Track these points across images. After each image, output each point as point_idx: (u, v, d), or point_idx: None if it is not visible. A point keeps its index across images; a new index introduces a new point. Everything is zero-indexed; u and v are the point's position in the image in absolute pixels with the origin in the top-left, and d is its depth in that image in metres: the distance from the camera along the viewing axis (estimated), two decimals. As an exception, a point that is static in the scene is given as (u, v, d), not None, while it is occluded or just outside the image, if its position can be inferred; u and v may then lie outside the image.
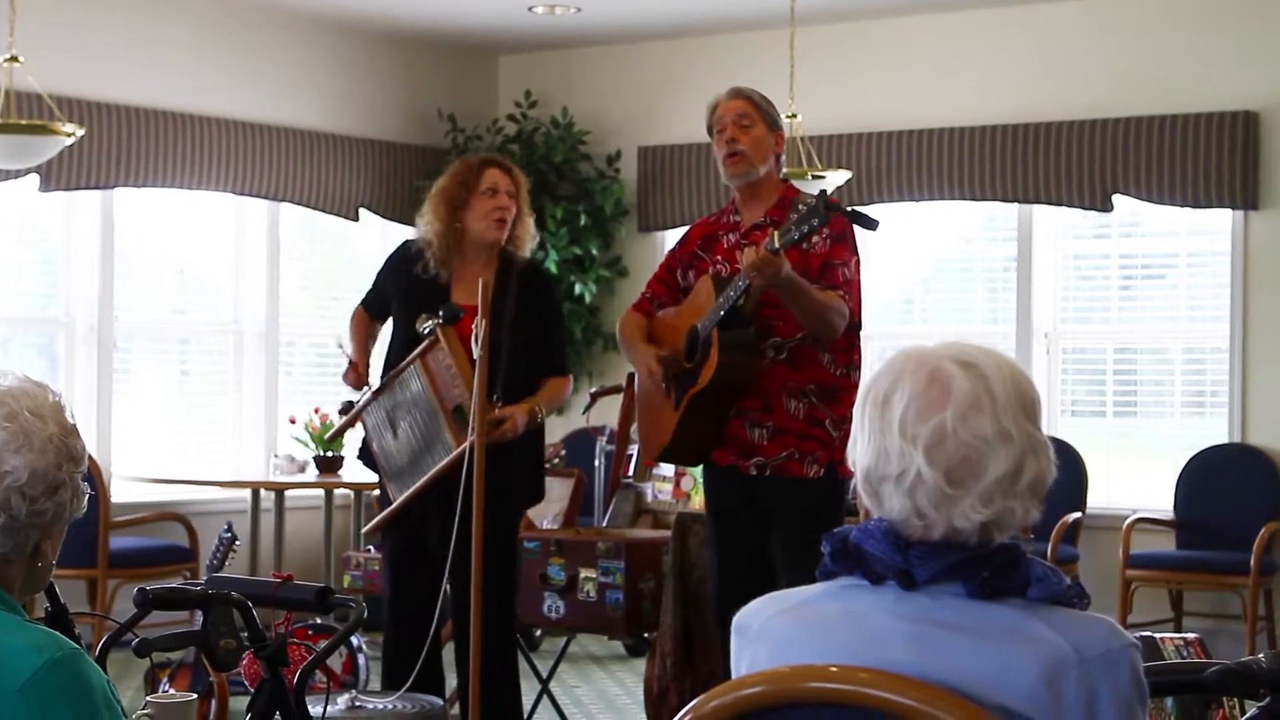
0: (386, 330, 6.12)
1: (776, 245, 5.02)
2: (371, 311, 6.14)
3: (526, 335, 5.82)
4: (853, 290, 5.33)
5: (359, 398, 6.04)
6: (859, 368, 5.40)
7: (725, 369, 5.30)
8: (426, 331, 5.70)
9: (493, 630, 5.74)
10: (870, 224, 5.05)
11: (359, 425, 6.11)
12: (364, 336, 6.12)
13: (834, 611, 2.17)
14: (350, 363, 6.05)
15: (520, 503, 6.03)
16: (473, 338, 5.48)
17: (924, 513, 2.13)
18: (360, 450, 6.18)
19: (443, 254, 5.89)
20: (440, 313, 5.65)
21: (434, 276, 5.88)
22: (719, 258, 5.49)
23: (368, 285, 6.24)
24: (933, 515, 2.13)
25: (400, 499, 5.86)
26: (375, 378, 6.02)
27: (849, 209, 5.13)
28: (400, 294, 5.96)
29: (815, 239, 5.25)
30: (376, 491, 6.31)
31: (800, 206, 5.06)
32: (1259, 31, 8.96)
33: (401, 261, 6.02)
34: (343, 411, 6.13)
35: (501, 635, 5.87)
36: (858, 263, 5.38)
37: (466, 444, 5.55)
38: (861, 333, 5.46)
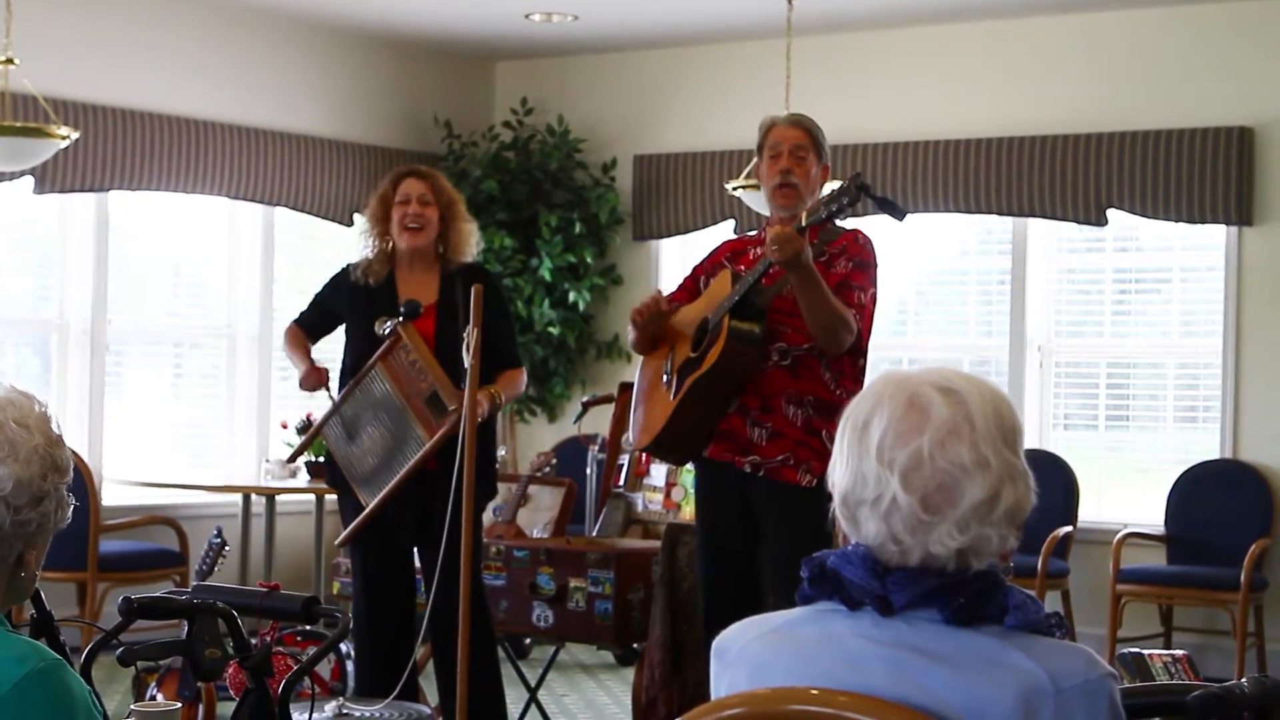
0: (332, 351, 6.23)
1: (804, 225, 5.07)
2: (305, 328, 6.27)
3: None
4: (864, 316, 5.36)
5: (320, 413, 6.15)
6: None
7: (730, 356, 5.31)
8: (386, 332, 5.79)
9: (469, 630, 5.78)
10: (898, 213, 5.06)
11: (323, 438, 6.20)
12: (304, 345, 6.24)
13: (811, 636, 2.17)
14: (305, 369, 6.13)
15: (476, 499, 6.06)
16: (464, 347, 5.52)
17: (899, 538, 2.12)
18: (327, 469, 6.25)
19: (376, 267, 6.06)
20: (401, 310, 5.75)
21: (378, 286, 6.03)
22: (743, 267, 5.52)
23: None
24: (908, 541, 2.12)
25: (375, 500, 5.90)
26: (333, 386, 6.13)
27: (879, 195, 5.14)
28: (349, 308, 6.09)
29: (840, 262, 5.31)
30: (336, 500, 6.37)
31: (833, 189, 5.10)
32: (1254, 48, 8.97)
33: (343, 279, 6.20)
34: (302, 429, 6.20)
35: (480, 638, 5.89)
36: (874, 295, 5.40)
37: (445, 428, 5.61)
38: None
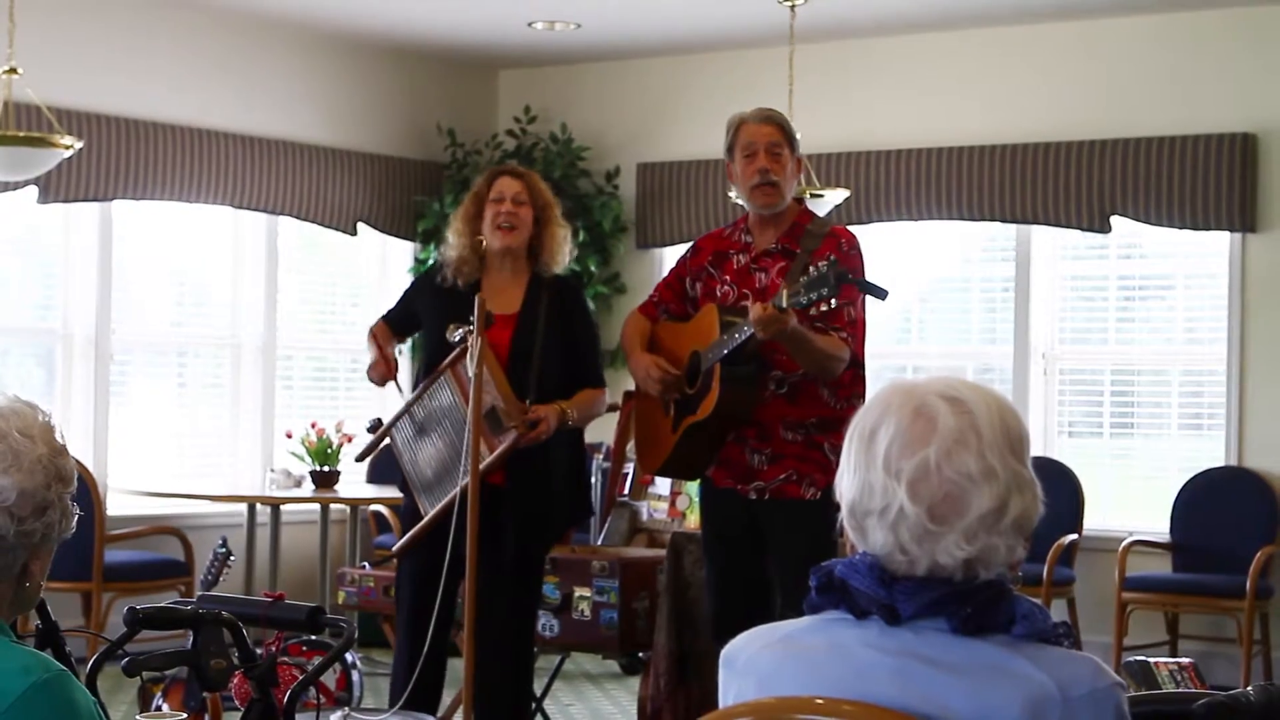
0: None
1: (784, 304, 4.98)
2: (393, 326, 6.16)
3: (558, 347, 5.81)
4: (857, 330, 5.32)
5: (388, 416, 6.05)
6: (862, 397, 5.37)
7: (726, 403, 5.28)
8: (457, 340, 5.69)
9: (509, 652, 5.75)
10: (880, 294, 4.98)
11: (390, 440, 6.11)
12: (385, 338, 6.11)
13: (819, 645, 2.17)
14: (374, 357, 6.02)
15: (563, 522, 6.02)
16: (468, 356, 5.48)
17: (906, 548, 2.12)
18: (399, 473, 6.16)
19: (466, 268, 5.90)
20: (471, 318, 5.65)
21: (459, 288, 5.87)
22: (727, 277, 5.48)
23: (364, 299, 6.29)
24: (915, 551, 2.12)
25: (431, 513, 5.81)
26: (405, 386, 6.03)
27: (859, 280, 5.07)
28: (428, 309, 5.97)
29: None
30: (393, 507, 6.26)
31: (811, 270, 4.97)
32: (1257, 54, 8.96)
33: (429, 278, 6.06)
34: (371, 429, 6.10)
35: (517, 658, 5.86)
36: (863, 302, 5.37)
37: (504, 445, 5.56)
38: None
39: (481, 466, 5.63)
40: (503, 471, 5.72)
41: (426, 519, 5.83)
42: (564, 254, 5.97)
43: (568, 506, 5.95)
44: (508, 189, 5.90)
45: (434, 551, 5.80)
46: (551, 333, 5.76)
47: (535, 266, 5.91)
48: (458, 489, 5.71)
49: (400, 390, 6.06)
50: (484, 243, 5.89)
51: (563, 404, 5.75)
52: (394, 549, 6.10)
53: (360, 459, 6.51)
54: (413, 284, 6.19)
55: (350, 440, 8.54)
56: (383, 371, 5.99)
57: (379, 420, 6.10)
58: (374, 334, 6.12)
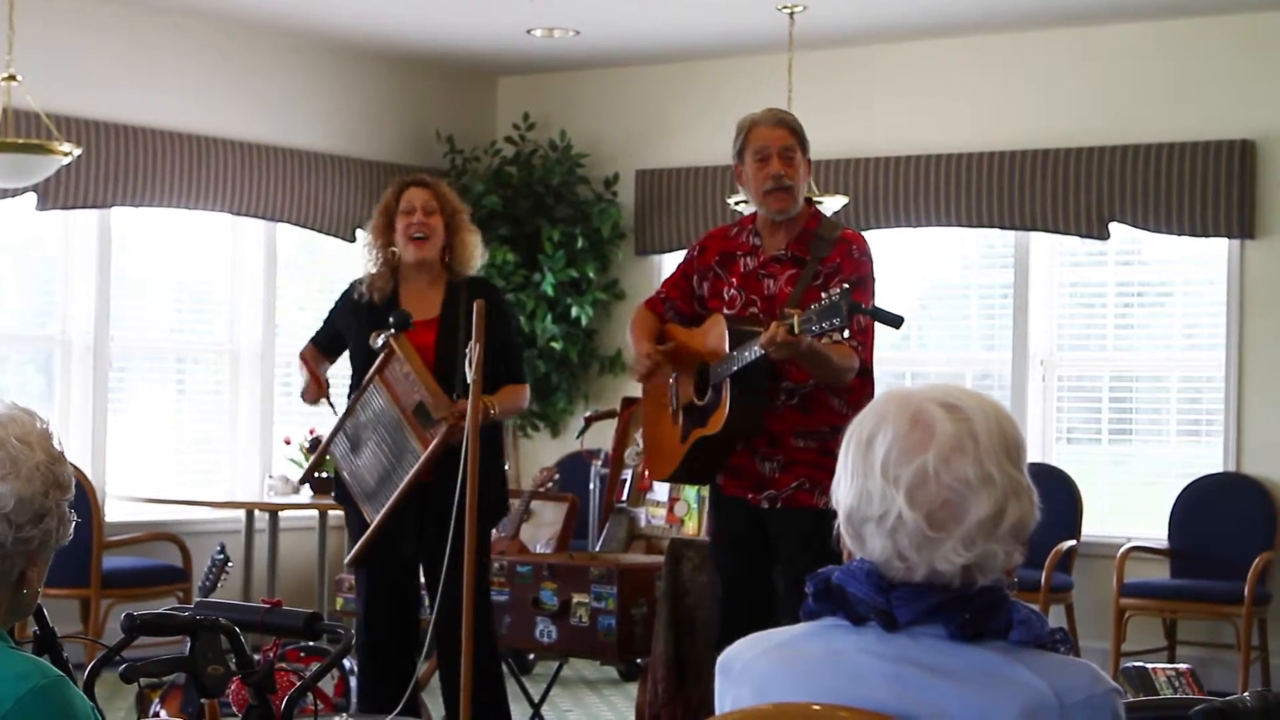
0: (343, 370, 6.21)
1: (796, 330, 4.94)
2: (321, 347, 6.23)
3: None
4: (867, 337, 5.30)
5: (327, 430, 6.12)
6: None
7: (736, 418, 5.25)
8: (379, 345, 5.77)
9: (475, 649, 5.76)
10: (895, 322, 4.95)
11: (330, 456, 6.18)
12: (315, 362, 6.20)
13: (816, 651, 2.17)
14: (306, 381, 6.10)
15: (485, 514, 6.04)
16: (466, 362, 5.51)
17: (905, 555, 2.12)
18: (335, 486, 6.23)
19: (380, 282, 6.00)
20: (391, 321, 5.73)
21: (382, 302, 5.97)
22: (734, 280, 5.43)
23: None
24: (914, 558, 2.12)
25: (377, 519, 5.87)
26: (338, 400, 6.11)
27: (871, 308, 5.04)
28: (351, 326, 6.06)
29: (835, 284, 5.23)
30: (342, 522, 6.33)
31: (823, 298, 4.92)
32: (1255, 61, 8.97)
33: (349, 297, 6.13)
34: (311, 449, 6.19)
35: (484, 653, 5.87)
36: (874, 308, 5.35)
37: (436, 440, 5.60)
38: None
39: (419, 463, 5.75)
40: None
41: (374, 525, 5.89)
42: (476, 259, 6.06)
43: (485, 497, 5.95)
44: (417, 199, 5.97)
45: (383, 567, 5.89)
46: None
47: (449, 272, 5.99)
48: (400, 490, 5.81)
49: (334, 409, 6.14)
50: (396, 254, 5.96)
51: (485, 399, 5.77)
52: (345, 560, 6.17)
53: (303, 481, 6.60)
54: (335, 305, 6.24)
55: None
56: (314, 393, 6.12)
57: (318, 439, 6.18)
58: (304, 357, 6.20)
